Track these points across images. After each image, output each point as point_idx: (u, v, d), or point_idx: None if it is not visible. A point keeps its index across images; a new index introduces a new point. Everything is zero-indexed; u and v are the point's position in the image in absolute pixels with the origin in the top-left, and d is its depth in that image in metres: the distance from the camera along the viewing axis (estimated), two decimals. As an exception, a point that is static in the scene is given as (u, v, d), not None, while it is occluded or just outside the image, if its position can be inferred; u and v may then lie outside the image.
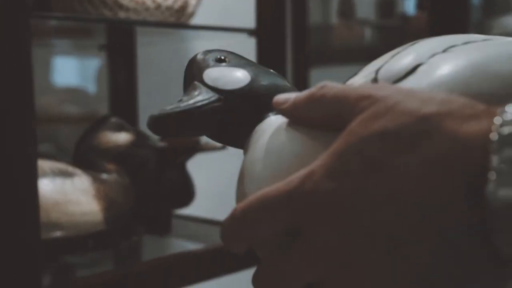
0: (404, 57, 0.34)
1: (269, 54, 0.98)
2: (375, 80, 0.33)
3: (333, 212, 0.25)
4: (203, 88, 0.36)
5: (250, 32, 0.96)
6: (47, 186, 0.77)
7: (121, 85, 1.15)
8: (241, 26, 0.98)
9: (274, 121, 0.35)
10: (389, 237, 0.24)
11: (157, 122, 0.35)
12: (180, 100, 0.36)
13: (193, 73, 0.38)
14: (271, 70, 0.40)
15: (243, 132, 0.36)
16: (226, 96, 0.36)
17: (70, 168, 0.82)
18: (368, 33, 1.99)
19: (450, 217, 0.24)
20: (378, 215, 0.25)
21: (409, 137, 0.25)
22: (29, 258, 0.66)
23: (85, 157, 0.86)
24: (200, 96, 0.36)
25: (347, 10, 1.86)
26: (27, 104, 0.67)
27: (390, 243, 0.24)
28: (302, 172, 0.27)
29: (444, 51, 0.34)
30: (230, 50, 0.40)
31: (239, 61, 0.39)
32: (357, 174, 0.25)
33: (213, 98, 0.36)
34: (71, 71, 1.30)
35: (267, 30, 0.96)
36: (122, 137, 0.88)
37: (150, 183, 0.91)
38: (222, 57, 0.38)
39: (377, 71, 0.34)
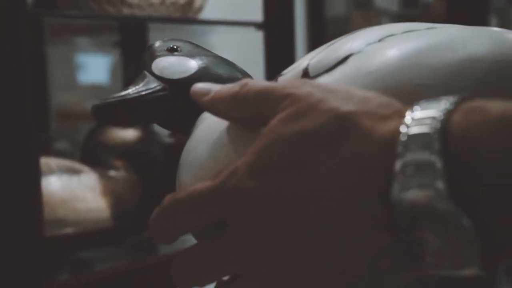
0: (337, 47, 0.34)
1: (277, 48, 0.97)
2: (306, 71, 0.34)
3: (255, 208, 0.26)
4: (150, 78, 0.37)
5: (257, 25, 0.96)
6: (54, 184, 0.77)
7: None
8: (249, 19, 0.97)
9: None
10: (309, 233, 0.25)
11: (99, 112, 0.35)
12: (126, 90, 0.36)
13: (145, 62, 0.38)
14: (229, 61, 0.40)
15: (189, 120, 0.36)
16: (171, 85, 0.37)
17: (77, 165, 0.83)
18: (387, 23, 1.96)
19: (364, 214, 0.24)
20: (299, 211, 0.25)
21: (326, 136, 0.25)
22: (32, 256, 0.67)
23: (92, 153, 0.87)
24: (144, 86, 0.36)
25: (364, 0, 1.83)
26: (26, 101, 0.67)
27: (310, 239, 0.25)
28: (228, 169, 0.27)
29: (380, 40, 0.34)
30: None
31: (193, 50, 0.39)
32: (277, 172, 0.26)
33: (157, 88, 0.36)
34: (92, 67, 1.32)
35: (275, 23, 0.96)
36: (130, 134, 0.88)
37: (158, 179, 0.92)
38: (175, 47, 0.38)
39: (309, 63, 0.34)
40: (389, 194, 0.23)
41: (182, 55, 0.38)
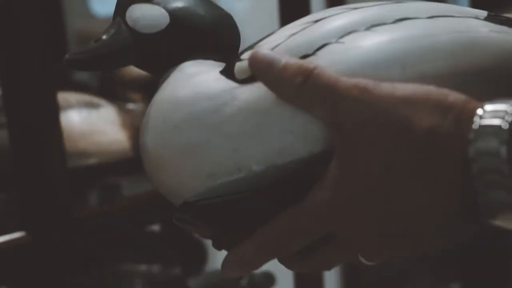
0: (315, 30, 0.34)
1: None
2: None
3: (359, 214, 0.31)
4: (122, 28, 0.37)
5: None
6: (73, 118, 0.80)
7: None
8: None
9: (184, 70, 0.36)
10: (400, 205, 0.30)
11: (70, 64, 0.36)
12: (98, 40, 0.37)
13: (121, 4, 0.38)
14: (214, 5, 0.39)
15: (160, 70, 0.37)
16: (141, 39, 0.37)
17: (96, 99, 0.84)
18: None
19: (445, 185, 0.29)
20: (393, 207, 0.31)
21: (412, 149, 0.30)
22: (59, 186, 0.70)
23: (110, 88, 0.88)
24: (114, 38, 0.37)
25: None
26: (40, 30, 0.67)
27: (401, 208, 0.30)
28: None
29: (367, 29, 0.34)
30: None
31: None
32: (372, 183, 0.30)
33: (126, 42, 0.37)
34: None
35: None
36: None
37: None
38: None
39: (285, 42, 0.34)
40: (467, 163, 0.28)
41: (156, 3, 0.38)
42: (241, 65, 0.34)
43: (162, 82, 0.36)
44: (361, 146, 0.30)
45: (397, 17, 0.34)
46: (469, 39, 0.34)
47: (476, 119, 0.28)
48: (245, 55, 0.34)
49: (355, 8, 0.35)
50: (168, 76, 0.36)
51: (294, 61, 0.32)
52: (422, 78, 0.32)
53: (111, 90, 0.89)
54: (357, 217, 0.30)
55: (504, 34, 0.35)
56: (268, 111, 0.32)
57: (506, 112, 0.28)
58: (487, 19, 0.36)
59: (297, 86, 0.31)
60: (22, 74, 0.66)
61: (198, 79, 0.35)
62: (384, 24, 0.34)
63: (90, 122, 0.80)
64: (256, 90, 0.33)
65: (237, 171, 0.32)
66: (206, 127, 0.33)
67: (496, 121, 0.28)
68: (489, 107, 0.29)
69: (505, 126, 0.27)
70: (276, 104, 0.32)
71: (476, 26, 0.35)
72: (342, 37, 0.33)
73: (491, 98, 0.30)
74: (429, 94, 0.30)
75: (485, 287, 1.43)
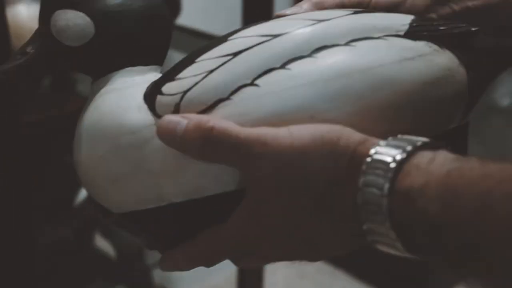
0: (235, 66, 0.35)
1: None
2: (177, 107, 0.35)
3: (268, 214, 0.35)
4: (47, 38, 0.37)
5: None
6: (21, 13, 0.77)
7: None
8: None
9: (109, 88, 0.37)
10: (303, 216, 0.34)
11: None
12: (23, 53, 0.37)
13: (45, 9, 0.38)
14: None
15: (89, 75, 0.39)
16: (67, 51, 0.37)
17: None
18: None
19: (337, 210, 0.33)
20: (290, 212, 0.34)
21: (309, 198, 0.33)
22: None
23: None
24: (37, 54, 0.38)
25: None
26: None
27: (304, 220, 0.34)
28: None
29: (283, 66, 0.35)
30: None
31: None
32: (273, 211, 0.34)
33: (50, 56, 0.38)
34: None
35: None
36: None
37: None
38: None
39: (184, 94, 0.35)
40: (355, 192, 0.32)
41: (81, 9, 0.37)
42: (161, 101, 0.35)
43: (90, 95, 0.38)
44: (266, 193, 0.33)
45: (315, 46, 0.35)
46: (380, 77, 0.34)
47: (367, 158, 0.31)
48: (166, 88, 0.36)
49: (274, 36, 0.36)
50: (94, 90, 0.38)
51: (194, 122, 0.34)
52: (330, 122, 0.34)
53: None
54: (264, 243, 0.35)
55: (418, 59, 0.36)
56: (183, 155, 0.34)
57: (395, 151, 0.31)
58: (408, 33, 0.36)
59: (200, 148, 0.34)
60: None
61: (122, 104, 0.36)
62: (301, 57, 0.35)
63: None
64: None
65: (160, 201, 0.35)
66: (130, 161, 0.35)
67: (386, 158, 0.31)
68: (381, 146, 0.31)
69: (392, 164, 0.30)
70: (182, 158, 0.34)
71: (390, 55, 0.35)
72: (258, 77, 0.34)
73: (399, 130, 0.33)
74: (324, 141, 0.33)
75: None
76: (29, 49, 0.38)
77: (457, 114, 0.38)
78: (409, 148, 0.31)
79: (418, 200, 0.29)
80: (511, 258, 0.27)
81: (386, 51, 0.35)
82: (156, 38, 0.39)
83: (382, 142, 0.32)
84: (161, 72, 0.39)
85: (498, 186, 0.28)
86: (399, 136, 0.32)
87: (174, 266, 0.38)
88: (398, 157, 0.30)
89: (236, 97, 0.34)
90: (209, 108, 0.34)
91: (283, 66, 0.35)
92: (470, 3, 0.41)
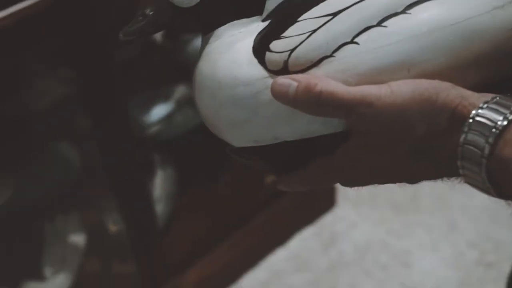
0: (335, 26, 0.39)
1: None
2: (286, 63, 0.39)
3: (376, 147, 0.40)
4: (162, 1, 0.42)
5: None
6: None
7: None
8: None
9: (221, 39, 0.42)
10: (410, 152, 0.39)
11: (125, 41, 0.43)
12: (143, 15, 0.42)
13: None
14: None
15: (200, 31, 0.44)
16: (180, 13, 0.42)
17: None
18: None
19: (440, 149, 0.38)
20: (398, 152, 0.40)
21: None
22: None
23: None
24: (156, 16, 0.42)
25: None
26: None
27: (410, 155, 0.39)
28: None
29: (379, 24, 0.38)
30: None
31: None
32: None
33: (167, 18, 0.43)
34: None
35: None
36: None
37: None
38: None
39: (291, 52, 0.39)
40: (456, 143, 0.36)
41: None
42: (271, 58, 0.40)
43: (202, 48, 0.43)
44: (372, 142, 0.39)
45: (408, 2, 0.38)
46: (471, 29, 0.38)
47: (469, 119, 0.35)
48: (273, 46, 0.40)
49: None
50: (207, 43, 0.43)
51: (303, 85, 0.38)
52: (425, 75, 0.37)
53: None
54: (368, 173, 0.41)
55: (509, 6, 0.38)
56: (288, 113, 0.40)
57: (498, 114, 0.35)
58: None
59: (310, 109, 0.39)
60: None
61: (234, 57, 0.41)
62: (395, 14, 0.38)
63: None
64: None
65: (275, 139, 0.41)
66: (246, 109, 0.40)
67: (488, 122, 0.35)
68: (483, 109, 0.35)
69: (494, 130, 0.34)
70: (293, 111, 0.40)
71: (481, 6, 0.38)
72: (357, 35, 0.38)
73: (486, 84, 0.38)
74: (423, 98, 0.36)
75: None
76: (147, 12, 0.42)
77: None
78: (510, 116, 0.34)
79: None
80: None
81: (476, 1, 0.38)
82: None
83: (482, 104, 0.35)
84: (262, 21, 0.43)
85: None
86: (497, 98, 0.35)
87: (290, 187, 0.45)
88: (499, 124, 0.34)
89: (338, 55, 0.38)
90: (314, 65, 0.39)
91: (379, 24, 0.38)
92: None
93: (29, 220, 1.03)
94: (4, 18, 0.74)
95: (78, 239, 1.07)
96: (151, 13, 0.42)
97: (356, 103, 0.37)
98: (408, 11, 0.38)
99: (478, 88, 0.38)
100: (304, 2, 0.41)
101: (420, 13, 0.38)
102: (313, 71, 0.39)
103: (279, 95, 0.39)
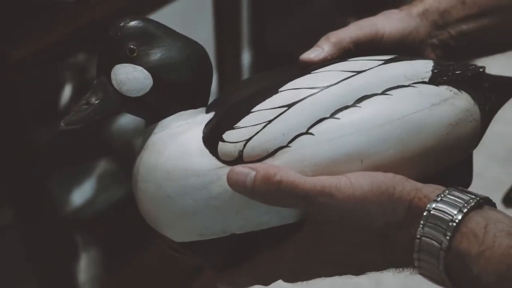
0: (290, 117, 0.40)
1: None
2: (241, 153, 0.39)
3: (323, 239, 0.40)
4: (109, 90, 0.42)
5: None
6: None
7: None
8: None
9: (168, 130, 0.42)
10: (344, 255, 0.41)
11: (67, 129, 0.41)
12: (86, 103, 0.41)
13: (103, 63, 0.42)
14: (184, 41, 0.44)
15: (151, 119, 0.44)
16: (127, 101, 0.42)
17: None
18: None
19: (392, 246, 0.39)
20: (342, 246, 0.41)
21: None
22: None
23: None
24: (102, 104, 0.42)
25: None
26: None
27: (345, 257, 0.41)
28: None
29: (333, 115, 0.40)
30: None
31: (151, 48, 0.42)
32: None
33: (114, 107, 0.42)
34: None
35: None
36: None
37: None
38: (133, 48, 0.42)
39: (246, 142, 0.39)
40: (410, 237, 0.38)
41: (139, 63, 0.42)
42: (224, 148, 0.40)
43: (146, 138, 0.43)
44: (328, 232, 0.39)
45: (357, 97, 0.40)
46: (415, 123, 0.40)
47: (424, 212, 0.37)
48: (226, 136, 0.40)
49: (321, 88, 0.41)
50: (151, 133, 0.43)
51: (262, 175, 0.38)
52: (377, 166, 0.40)
53: None
54: (320, 265, 0.41)
55: (444, 104, 0.42)
56: (244, 203, 0.40)
57: (452, 208, 0.37)
58: (431, 79, 0.43)
59: (269, 198, 0.39)
60: None
61: (183, 148, 0.41)
62: (347, 107, 0.40)
63: None
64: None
65: (222, 233, 0.41)
66: (196, 200, 0.40)
67: (444, 216, 0.36)
68: (437, 202, 0.37)
69: (451, 223, 0.36)
70: (248, 201, 0.40)
71: (421, 102, 0.41)
72: (312, 126, 0.40)
73: (429, 176, 0.41)
74: (381, 191, 0.38)
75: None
76: (93, 100, 0.42)
77: (472, 147, 0.45)
78: (465, 209, 0.36)
79: (474, 268, 0.35)
80: None
81: (418, 98, 0.41)
82: (203, 83, 0.44)
83: (437, 197, 0.37)
84: (206, 112, 0.44)
85: None
86: (449, 191, 0.38)
87: (233, 284, 0.44)
88: (455, 217, 0.36)
89: (294, 145, 0.39)
90: (270, 155, 0.40)
91: (332, 116, 0.40)
92: (464, 27, 0.50)
93: None
94: None
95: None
96: (97, 101, 0.42)
97: (316, 193, 0.38)
98: (358, 105, 0.40)
99: (423, 179, 0.40)
100: (257, 94, 0.42)
101: (369, 106, 0.40)
102: (269, 161, 0.40)
103: (235, 184, 0.39)
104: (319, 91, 0.41)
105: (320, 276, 0.43)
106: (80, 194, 1.15)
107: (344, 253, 0.40)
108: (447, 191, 0.37)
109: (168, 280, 1.27)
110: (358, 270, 0.41)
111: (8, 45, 0.81)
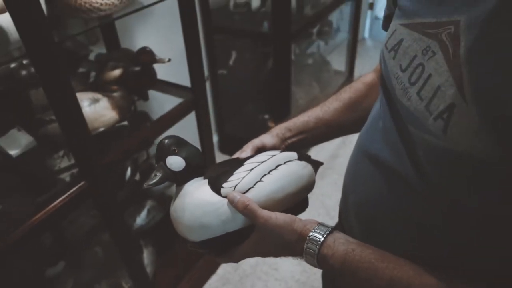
0: (254, 174, 0.72)
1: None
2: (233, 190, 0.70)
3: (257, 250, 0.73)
4: (165, 169, 0.69)
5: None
6: (85, 108, 1.25)
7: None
8: None
9: (189, 187, 0.71)
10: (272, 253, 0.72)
11: (148, 188, 0.68)
12: (155, 175, 0.68)
13: (160, 155, 0.70)
14: (194, 147, 0.73)
15: (180, 182, 0.72)
16: (175, 173, 0.70)
17: (96, 95, 1.31)
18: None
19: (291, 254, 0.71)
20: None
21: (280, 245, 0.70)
22: (85, 145, 1.07)
23: (100, 85, 1.36)
24: (160, 178, 0.68)
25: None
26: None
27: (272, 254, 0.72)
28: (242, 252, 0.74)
29: (268, 174, 0.73)
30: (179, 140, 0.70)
31: (182, 150, 0.70)
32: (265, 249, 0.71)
33: (168, 177, 0.69)
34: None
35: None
36: (117, 72, 1.38)
37: (136, 90, 1.41)
38: (175, 149, 0.69)
39: (234, 187, 0.70)
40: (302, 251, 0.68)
41: (179, 155, 0.70)
42: (224, 191, 0.69)
43: (178, 191, 0.70)
44: (262, 238, 0.68)
45: (264, 173, 0.73)
46: (293, 179, 0.73)
47: (307, 237, 0.65)
48: (225, 184, 0.70)
49: (259, 163, 0.74)
50: (181, 188, 0.70)
51: (239, 200, 0.68)
52: (280, 201, 0.72)
53: (101, 86, 1.34)
54: (260, 253, 0.70)
55: (305, 168, 0.77)
56: (237, 212, 0.68)
57: (321, 235, 0.66)
58: (298, 158, 0.77)
59: (242, 212, 0.68)
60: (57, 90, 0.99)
61: (201, 195, 0.69)
62: (264, 175, 0.72)
63: (96, 110, 1.26)
64: (229, 205, 0.69)
65: (222, 232, 0.69)
66: (211, 217, 0.68)
67: (316, 237, 0.65)
68: (313, 231, 0.66)
69: (320, 240, 0.64)
70: (235, 213, 0.69)
71: (296, 168, 0.75)
72: (263, 176, 0.71)
73: (290, 207, 0.73)
74: (287, 224, 0.67)
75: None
76: (158, 174, 0.68)
77: (309, 190, 0.80)
78: (325, 234, 0.65)
79: (330, 261, 0.64)
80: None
81: (295, 166, 0.75)
82: (200, 165, 0.72)
83: (313, 229, 0.66)
84: (203, 178, 0.73)
85: (360, 264, 0.62)
86: (319, 225, 0.67)
87: (224, 261, 0.75)
88: (321, 238, 0.64)
89: (255, 186, 0.70)
90: (245, 192, 0.69)
91: (269, 172, 0.72)
92: (294, 139, 0.89)
93: None
94: None
95: None
96: (160, 175, 0.67)
97: (260, 217, 0.67)
98: (277, 167, 0.73)
99: (287, 209, 0.73)
100: (235, 164, 0.74)
101: (274, 172, 0.72)
102: (245, 194, 0.68)
103: (230, 201, 0.67)
104: (259, 164, 0.71)
105: (260, 256, 0.71)
106: (140, 218, 1.71)
107: (270, 248, 0.68)
108: (316, 226, 0.66)
109: (187, 261, 1.90)
110: (276, 256, 0.69)
111: (98, 156, 1.19)
